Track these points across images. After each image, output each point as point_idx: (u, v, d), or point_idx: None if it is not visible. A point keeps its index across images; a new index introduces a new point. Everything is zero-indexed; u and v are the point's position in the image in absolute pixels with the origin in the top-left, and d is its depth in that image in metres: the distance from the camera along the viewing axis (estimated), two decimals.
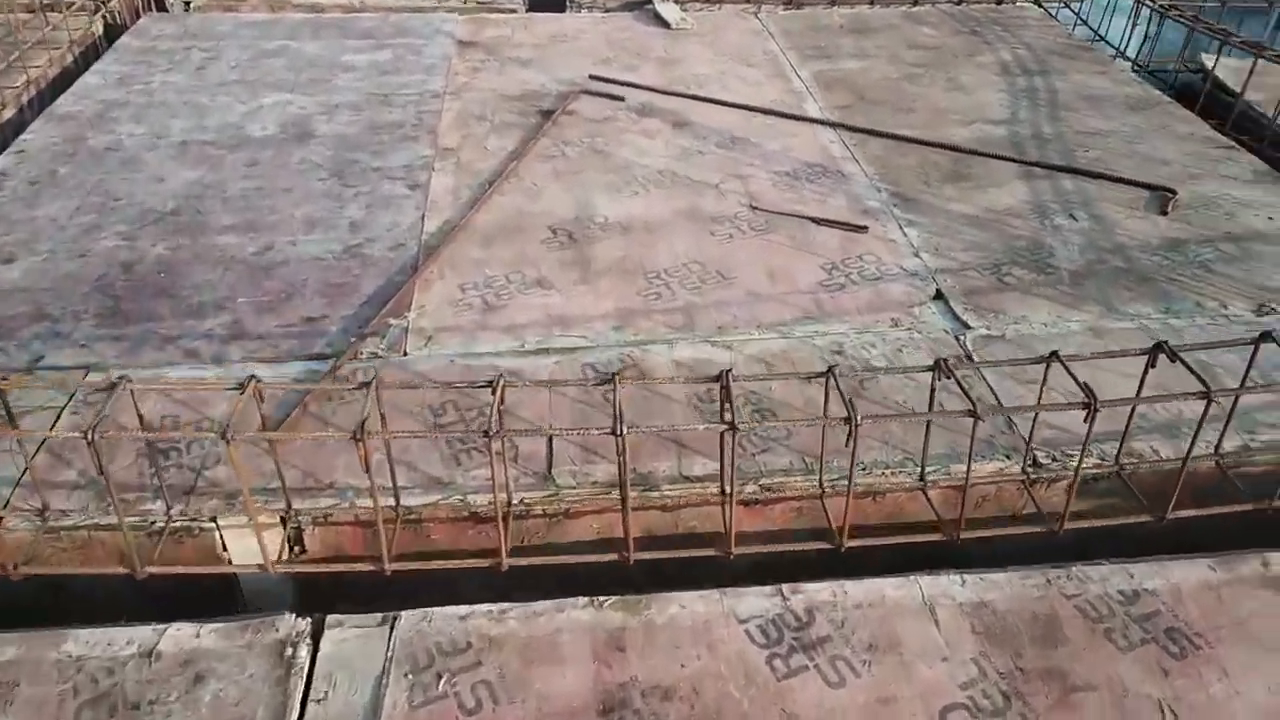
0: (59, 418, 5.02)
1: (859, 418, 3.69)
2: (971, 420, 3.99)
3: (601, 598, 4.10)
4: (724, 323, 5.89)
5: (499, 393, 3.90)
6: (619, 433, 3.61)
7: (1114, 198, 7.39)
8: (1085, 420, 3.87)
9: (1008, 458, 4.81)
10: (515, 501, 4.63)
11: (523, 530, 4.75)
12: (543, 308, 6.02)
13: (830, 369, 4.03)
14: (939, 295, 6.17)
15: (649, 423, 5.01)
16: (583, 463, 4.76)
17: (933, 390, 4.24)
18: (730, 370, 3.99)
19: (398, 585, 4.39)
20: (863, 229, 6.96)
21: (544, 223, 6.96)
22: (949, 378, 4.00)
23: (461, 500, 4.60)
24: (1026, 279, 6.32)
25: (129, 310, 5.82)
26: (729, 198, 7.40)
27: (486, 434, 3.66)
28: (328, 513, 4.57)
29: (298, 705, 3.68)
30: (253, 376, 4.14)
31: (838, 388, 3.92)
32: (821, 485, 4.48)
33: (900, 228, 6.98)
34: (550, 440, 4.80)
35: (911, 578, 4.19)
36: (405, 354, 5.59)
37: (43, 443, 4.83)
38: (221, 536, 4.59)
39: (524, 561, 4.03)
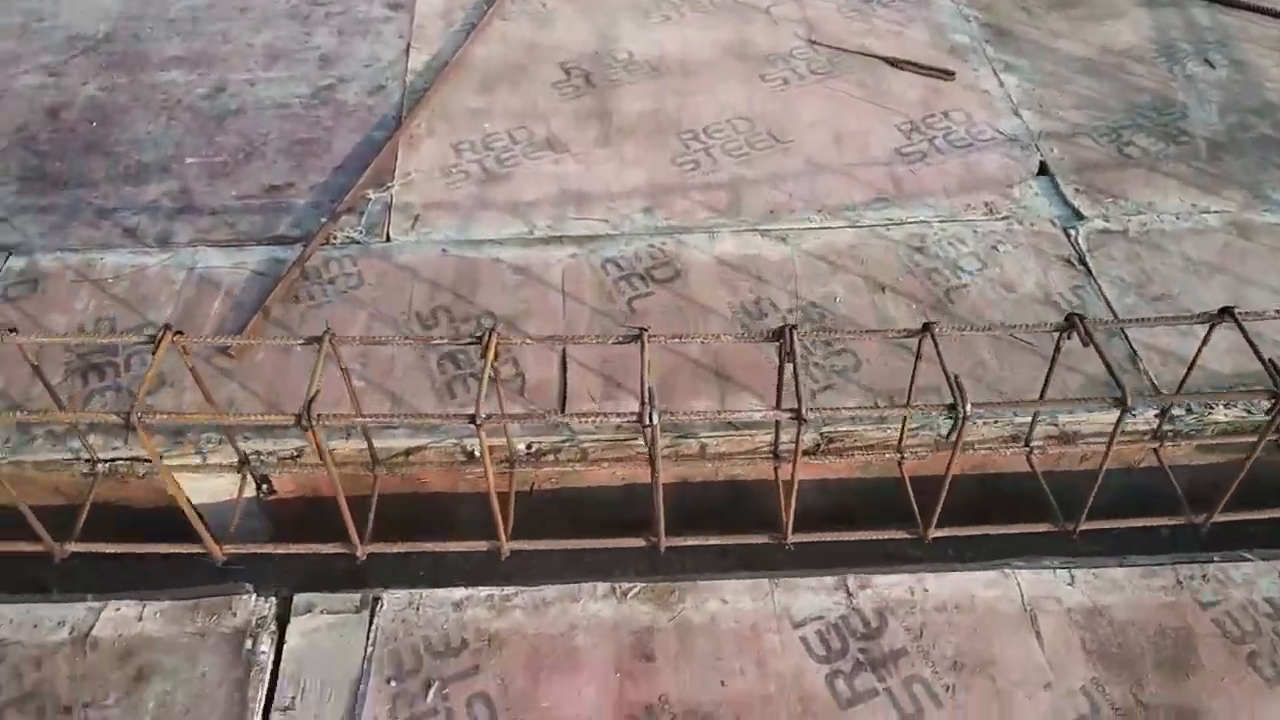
0: None
1: (967, 407, 2.77)
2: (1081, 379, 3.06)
3: (625, 585, 3.36)
4: (777, 204, 4.83)
5: (491, 349, 2.99)
6: (647, 421, 2.72)
7: (1261, 36, 6.02)
8: (1270, 412, 2.94)
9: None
10: (522, 448, 3.82)
11: (533, 476, 3.97)
12: (555, 178, 4.95)
13: (927, 327, 3.06)
14: (1044, 170, 5.04)
15: (681, 338, 4.10)
16: (603, 397, 3.90)
17: (1056, 353, 3.29)
18: (794, 327, 3.03)
19: (387, 515, 3.68)
20: (949, 75, 5.70)
21: (556, 59, 5.72)
22: (1087, 343, 3.03)
23: (456, 444, 3.79)
24: (1153, 150, 5.14)
25: (56, 172, 4.80)
26: (782, 27, 6.08)
27: (474, 420, 2.78)
28: (296, 454, 3.78)
29: (259, 715, 3.04)
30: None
31: (938, 356, 2.97)
32: (901, 451, 3.62)
33: (995, 73, 5.71)
34: (564, 374, 3.92)
35: (1008, 572, 3.41)
36: (388, 239, 4.61)
37: None
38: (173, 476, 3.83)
39: (529, 546, 3.28)
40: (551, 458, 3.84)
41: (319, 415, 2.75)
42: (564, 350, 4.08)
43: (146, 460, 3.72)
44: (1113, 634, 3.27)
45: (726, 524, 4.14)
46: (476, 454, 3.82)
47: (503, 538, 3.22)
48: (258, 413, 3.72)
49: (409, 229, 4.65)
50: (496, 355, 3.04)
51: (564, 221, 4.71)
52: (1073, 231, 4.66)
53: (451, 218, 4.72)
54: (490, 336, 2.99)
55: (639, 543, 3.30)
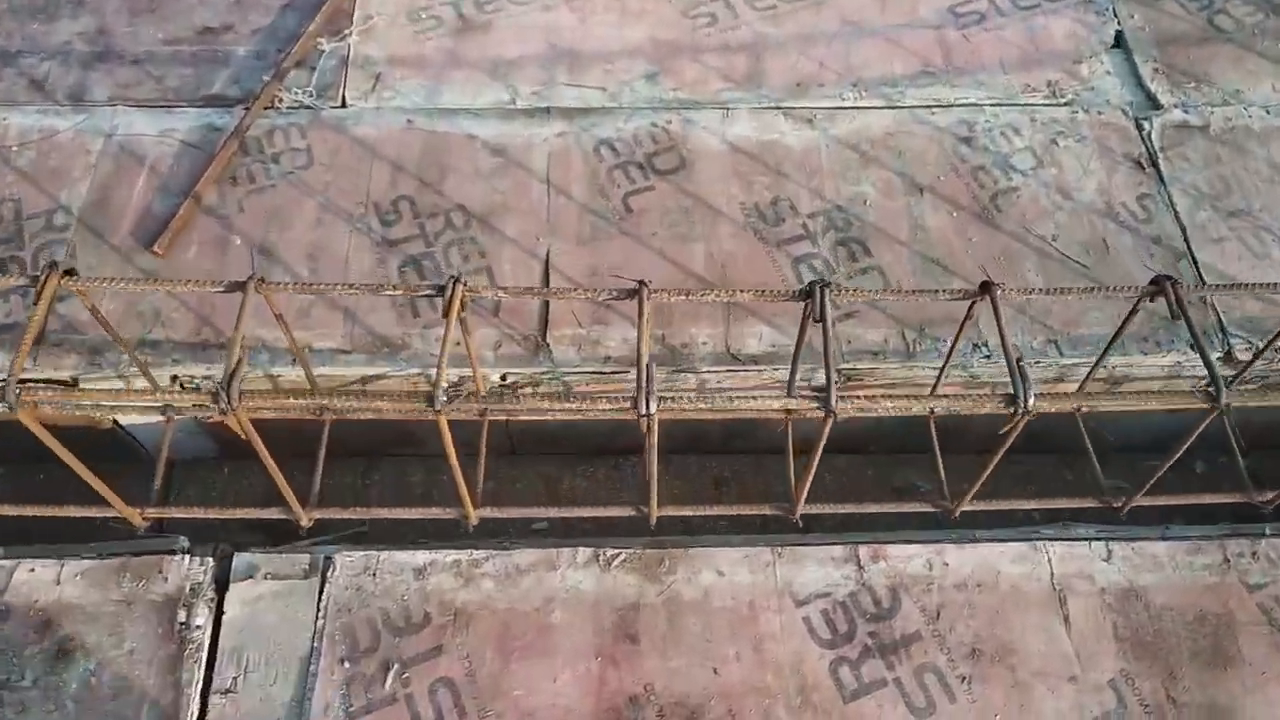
0: None
1: (1029, 398, 2.26)
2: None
3: (610, 552, 2.98)
4: (805, 76, 4.08)
5: (455, 305, 2.43)
6: (644, 410, 2.21)
7: None
8: None
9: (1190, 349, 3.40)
10: (496, 379, 3.33)
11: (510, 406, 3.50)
12: (544, 31, 4.15)
13: (986, 287, 2.50)
14: (1119, 42, 4.26)
15: (683, 244, 3.53)
16: (591, 321, 3.37)
17: (1130, 314, 2.75)
18: (826, 284, 2.47)
19: (344, 436, 3.27)
20: None
21: None
22: (1178, 315, 2.48)
23: (421, 373, 3.29)
24: (1249, 23, 4.34)
25: None
26: None
27: (432, 403, 2.26)
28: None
29: (196, 699, 2.73)
30: None
31: (999, 330, 2.42)
32: (932, 414, 3.14)
33: None
34: (546, 303, 3.35)
35: (1039, 545, 3.04)
36: (343, 103, 3.89)
37: None
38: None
39: (499, 514, 2.85)
40: (529, 390, 3.36)
41: (242, 394, 2.23)
42: (546, 259, 3.50)
43: (62, 383, 3.23)
44: (1148, 620, 2.94)
45: (721, 465, 3.75)
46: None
47: (469, 507, 2.79)
48: (180, 359, 3.16)
49: (369, 91, 3.92)
50: (463, 307, 2.49)
51: (552, 88, 3.98)
52: (1145, 124, 3.97)
53: (419, 77, 3.97)
54: (454, 289, 2.43)
55: (629, 512, 2.88)
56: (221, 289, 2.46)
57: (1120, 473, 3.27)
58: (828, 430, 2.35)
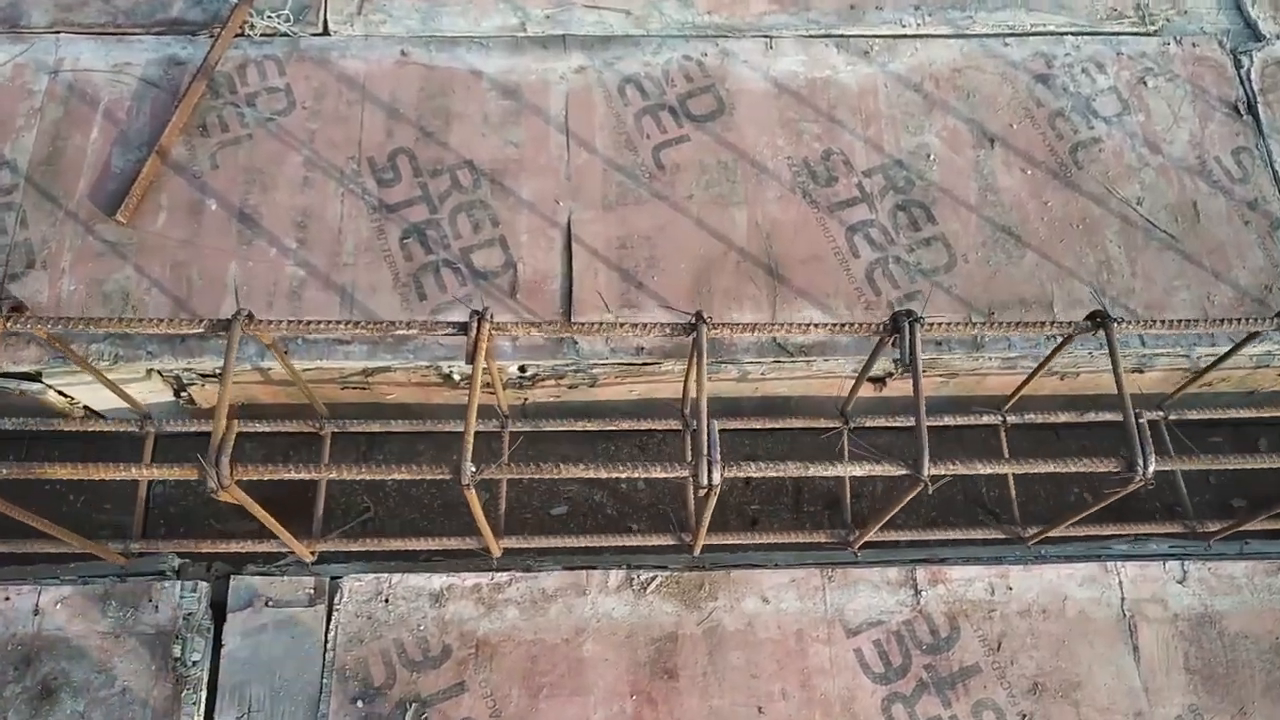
0: None
1: (1148, 466, 1.94)
2: None
3: (645, 575, 2.72)
4: None
5: (481, 348, 2.05)
6: (707, 481, 1.88)
7: None
8: None
9: None
10: (514, 370, 2.97)
11: (527, 393, 3.16)
12: None
13: (1097, 318, 2.13)
14: None
15: (723, 208, 3.11)
16: (620, 304, 2.98)
17: (1240, 345, 2.39)
18: (916, 318, 2.10)
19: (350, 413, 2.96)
20: None
21: None
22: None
23: (430, 366, 2.92)
24: None
25: None
26: None
27: (459, 479, 1.91)
28: (215, 373, 2.92)
29: None
30: None
31: (1114, 366, 2.07)
32: (1005, 422, 2.80)
33: None
34: (569, 283, 2.94)
35: (1109, 565, 2.79)
36: (325, 29, 3.34)
37: None
38: (60, 391, 2.99)
39: (526, 544, 2.56)
40: (551, 383, 3.01)
41: (233, 464, 1.88)
42: (568, 228, 3.07)
43: (25, 376, 2.86)
44: (1221, 650, 2.73)
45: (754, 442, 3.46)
46: (455, 377, 2.98)
47: (493, 543, 2.50)
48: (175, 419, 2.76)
49: (353, 14, 3.36)
50: (484, 340, 2.11)
51: (568, 10, 3.43)
52: (1244, 60, 3.47)
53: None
54: (479, 329, 2.05)
55: (667, 540, 2.60)
56: (202, 329, 2.06)
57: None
58: (914, 494, 2.04)
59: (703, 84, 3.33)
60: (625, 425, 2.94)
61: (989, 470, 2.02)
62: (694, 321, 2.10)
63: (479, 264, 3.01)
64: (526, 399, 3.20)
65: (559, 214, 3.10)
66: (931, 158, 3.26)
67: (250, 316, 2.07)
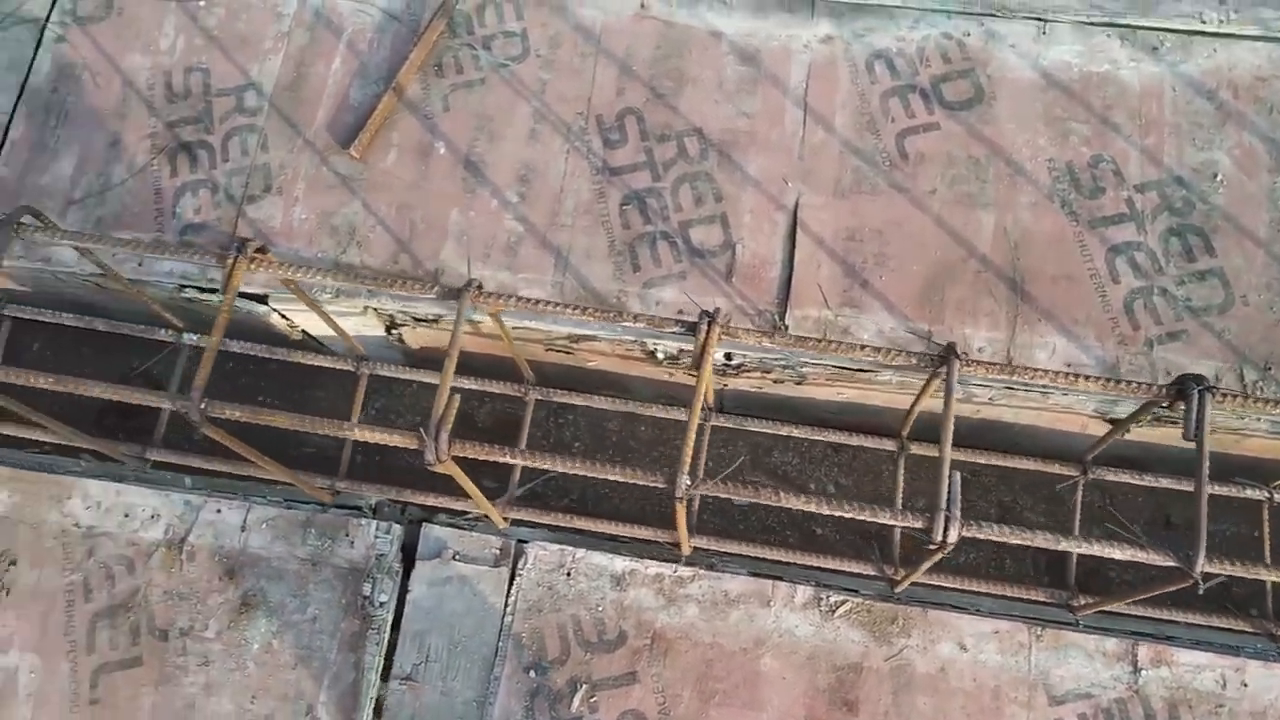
0: None
1: None
2: None
3: (835, 599, 2.57)
4: None
5: (709, 349, 1.93)
6: (943, 537, 1.70)
7: None
8: None
9: None
10: (721, 357, 2.83)
11: (728, 380, 3.03)
12: None
13: None
14: None
15: (968, 209, 2.83)
16: (840, 304, 2.78)
17: None
18: (1209, 388, 1.82)
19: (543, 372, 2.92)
20: None
21: None
22: None
23: (636, 341, 2.83)
24: None
25: None
26: None
27: (673, 489, 1.81)
28: (433, 319, 2.92)
29: (374, 682, 2.58)
30: None
31: None
32: (1272, 499, 2.46)
33: None
34: (789, 272, 2.76)
35: None
36: None
37: None
38: (283, 314, 3.08)
39: (718, 547, 2.46)
40: (756, 375, 2.87)
41: (451, 441, 1.84)
42: (794, 212, 2.88)
43: (258, 299, 2.95)
44: None
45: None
46: (659, 355, 2.88)
47: (685, 541, 2.41)
48: (390, 363, 2.77)
49: None
50: (710, 343, 1.98)
51: None
52: None
53: None
54: (709, 331, 1.92)
55: (866, 570, 2.43)
56: (433, 294, 2.01)
57: None
58: (1175, 587, 1.79)
59: (961, 67, 3.03)
60: (834, 437, 2.76)
61: (1274, 578, 1.75)
62: (945, 354, 1.90)
63: (697, 240, 2.88)
64: (725, 386, 3.07)
65: (786, 196, 2.91)
66: (1218, 178, 2.86)
67: (480, 288, 2.01)
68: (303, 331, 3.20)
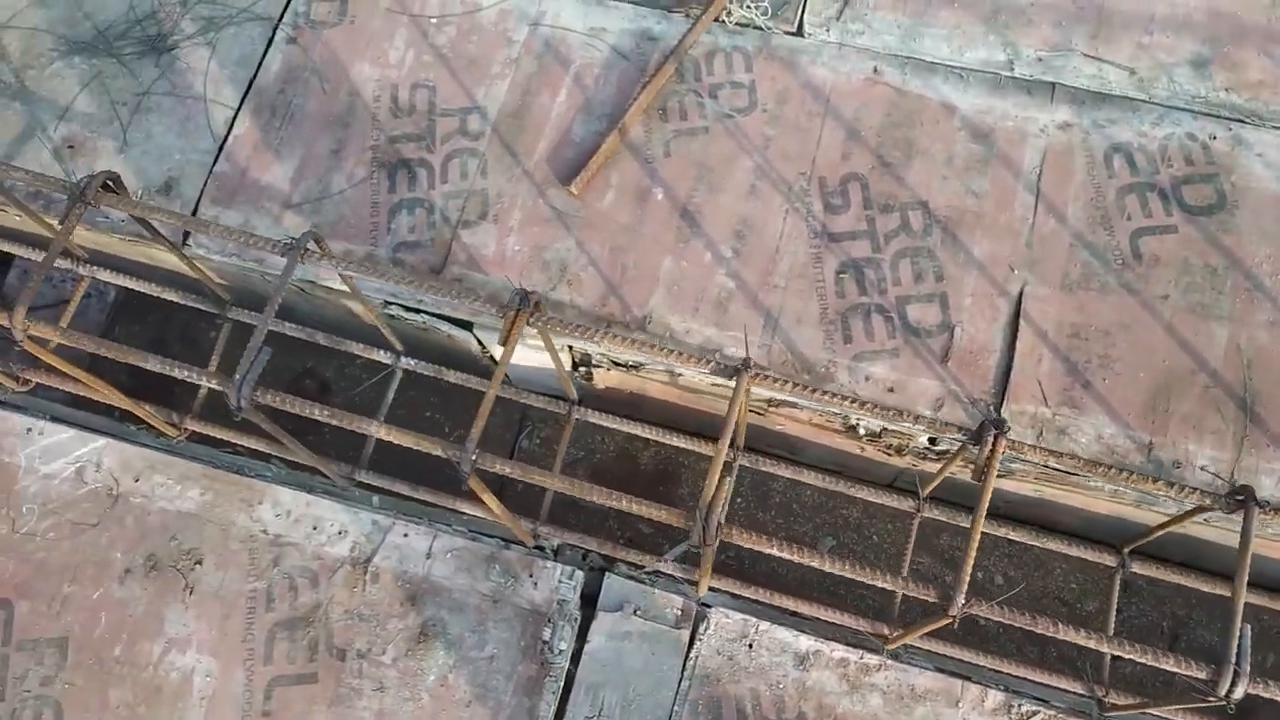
0: None
1: None
2: None
3: (1026, 708, 2.45)
4: None
5: (992, 471, 1.84)
6: (1224, 692, 1.59)
7: None
8: None
9: None
10: (924, 441, 2.75)
11: (927, 464, 2.94)
12: None
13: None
14: None
15: (1201, 319, 2.70)
16: (1060, 401, 2.67)
17: None
18: None
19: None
20: None
21: None
22: None
23: (839, 415, 2.75)
24: None
25: None
26: None
27: (948, 612, 1.73)
28: (632, 364, 2.89)
29: None
30: None
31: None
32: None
33: None
34: (1008, 362, 2.66)
35: None
36: (799, 30, 3.17)
37: None
38: (481, 342, 3.08)
39: (922, 643, 2.36)
40: (959, 463, 2.77)
41: (720, 526, 1.79)
42: (1018, 302, 2.78)
43: (462, 323, 2.95)
44: None
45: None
46: (860, 430, 2.80)
47: (889, 636, 2.32)
48: (599, 411, 2.72)
49: (832, 19, 3.18)
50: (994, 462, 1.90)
51: (1064, 56, 3.08)
52: None
53: (897, 11, 3.17)
54: (994, 444, 1.84)
55: (1076, 688, 2.32)
56: (708, 370, 1.97)
57: None
58: None
59: (1204, 171, 2.91)
60: (1053, 545, 2.66)
61: None
62: (1243, 499, 1.79)
63: (913, 317, 2.80)
64: (914, 466, 2.98)
65: (1011, 283, 2.82)
66: None
67: (757, 372, 1.96)
68: (490, 358, 3.20)
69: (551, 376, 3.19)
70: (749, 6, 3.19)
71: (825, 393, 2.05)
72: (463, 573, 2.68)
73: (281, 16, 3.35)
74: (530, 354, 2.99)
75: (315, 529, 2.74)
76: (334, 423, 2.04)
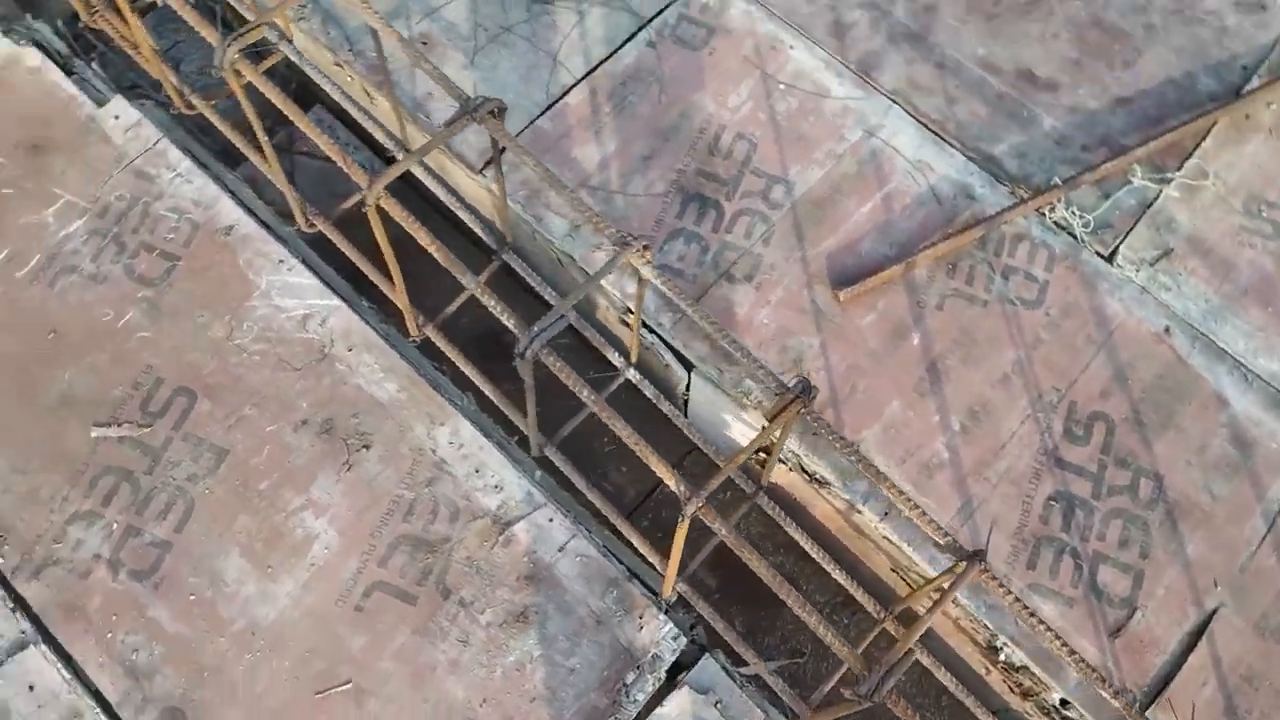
0: None
1: None
2: None
3: None
4: None
5: None
6: None
7: None
8: None
9: None
10: (1053, 698, 2.68)
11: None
12: None
13: None
14: None
15: None
16: None
17: None
18: None
19: None
20: None
21: None
22: None
23: (989, 630, 2.72)
24: None
25: None
26: None
27: None
28: (823, 479, 2.91)
29: None
30: None
31: None
32: None
33: None
34: (1172, 671, 2.58)
35: None
36: (1110, 257, 3.16)
37: None
38: (688, 387, 3.15)
39: None
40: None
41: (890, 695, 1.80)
42: (1206, 622, 2.70)
43: (686, 363, 3.04)
44: None
45: None
46: (1002, 658, 2.76)
47: None
48: None
49: (1146, 261, 3.17)
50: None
51: None
52: None
53: (1212, 286, 3.14)
54: None
55: None
56: (940, 545, 1.99)
57: None
58: None
59: None
60: None
61: None
62: None
63: (1102, 579, 2.74)
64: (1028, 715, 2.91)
65: (1209, 597, 2.74)
66: None
67: (985, 568, 1.96)
68: (685, 400, 3.27)
69: (726, 440, 3.25)
70: (1074, 213, 3.21)
71: (1031, 613, 2.03)
72: (583, 581, 2.74)
73: (650, 20, 3.54)
74: (723, 405, 3.06)
75: (476, 472, 2.85)
76: (594, 409, 2.13)
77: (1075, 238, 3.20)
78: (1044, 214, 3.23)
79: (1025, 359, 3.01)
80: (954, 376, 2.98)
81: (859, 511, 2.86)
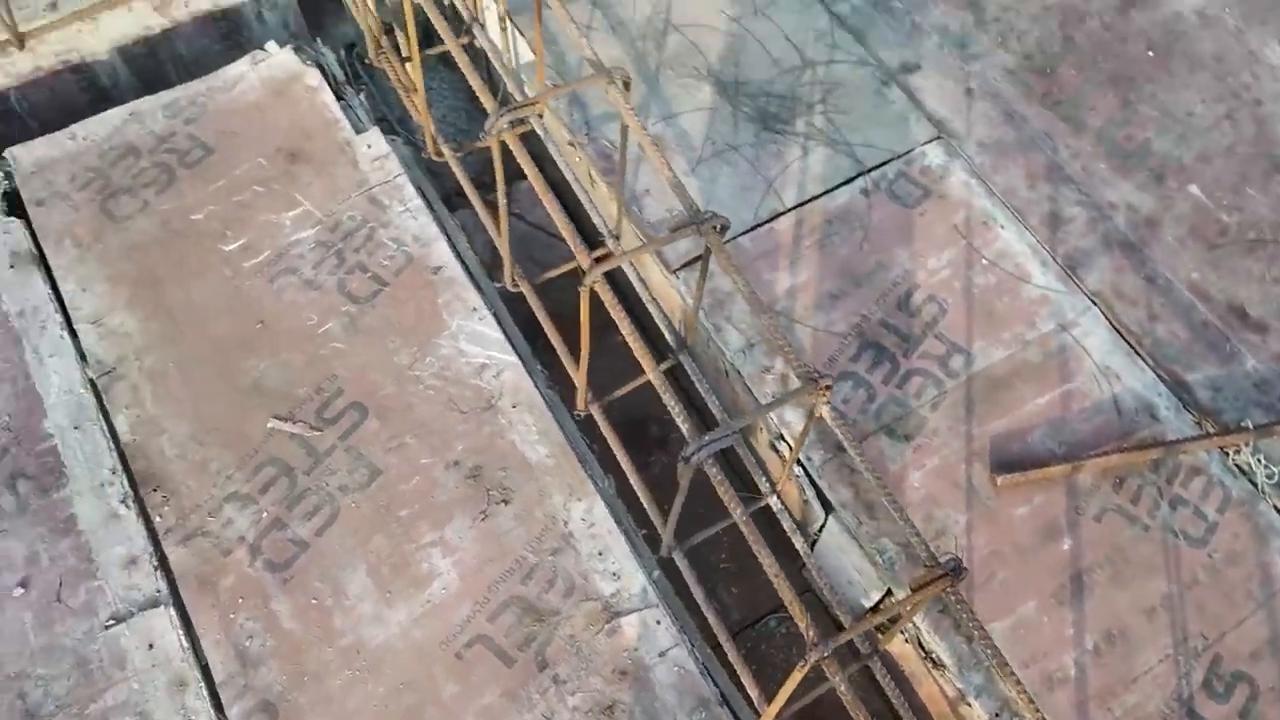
0: None
1: None
2: None
3: None
4: None
5: None
6: None
7: None
8: None
9: None
10: None
11: None
12: None
13: None
14: None
15: None
16: None
17: None
18: None
19: None
20: None
21: None
22: None
23: None
24: None
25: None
26: None
27: None
28: (940, 660, 2.83)
29: None
30: None
31: None
32: None
33: None
34: None
35: None
36: None
37: None
38: (824, 523, 3.15)
39: None
40: None
41: None
42: None
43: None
44: None
45: None
46: None
47: None
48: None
49: None
50: None
51: None
52: None
53: None
54: None
55: None
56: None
57: None
58: None
59: None
60: None
61: None
62: None
63: None
64: None
65: None
66: None
67: None
68: (814, 540, 3.26)
69: (844, 589, 3.21)
70: (1260, 460, 3.09)
71: None
72: (675, 693, 2.73)
73: (871, 169, 3.65)
74: (852, 556, 3.03)
75: (600, 554, 2.90)
76: (742, 528, 2.17)
77: (1256, 486, 3.07)
78: (1228, 453, 3.11)
79: (1178, 596, 2.87)
80: (1098, 593, 2.86)
81: (968, 704, 2.76)
